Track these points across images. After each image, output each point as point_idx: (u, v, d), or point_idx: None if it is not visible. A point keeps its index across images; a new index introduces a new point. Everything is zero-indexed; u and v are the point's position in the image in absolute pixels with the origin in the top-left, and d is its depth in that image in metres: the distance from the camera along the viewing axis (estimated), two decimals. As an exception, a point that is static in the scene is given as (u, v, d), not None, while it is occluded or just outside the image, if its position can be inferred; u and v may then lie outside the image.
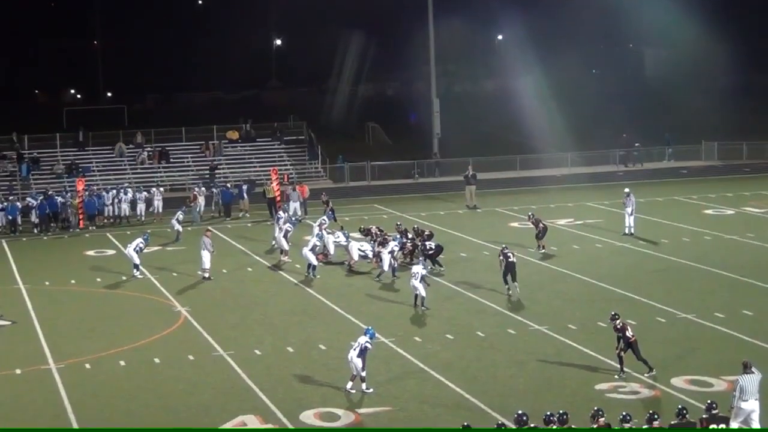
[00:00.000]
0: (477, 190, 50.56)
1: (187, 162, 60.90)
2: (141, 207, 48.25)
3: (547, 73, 76.89)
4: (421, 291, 31.05)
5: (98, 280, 36.33)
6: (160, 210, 48.52)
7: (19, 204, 47.31)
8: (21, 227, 46.24)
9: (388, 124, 73.23)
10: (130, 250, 36.41)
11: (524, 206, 48.84)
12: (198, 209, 48.11)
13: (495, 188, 55.62)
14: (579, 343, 26.99)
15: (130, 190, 48.95)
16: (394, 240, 35.80)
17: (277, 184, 49.14)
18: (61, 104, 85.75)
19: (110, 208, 47.83)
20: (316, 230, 38.03)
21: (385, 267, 34.86)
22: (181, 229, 42.96)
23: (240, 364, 26.14)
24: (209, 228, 38.39)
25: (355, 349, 23.67)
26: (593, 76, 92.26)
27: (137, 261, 36.30)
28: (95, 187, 51.15)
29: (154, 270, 37.39)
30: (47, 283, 36.21)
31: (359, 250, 36.61)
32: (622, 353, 24.33)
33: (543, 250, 38.15)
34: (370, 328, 24.55)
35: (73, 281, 36.35)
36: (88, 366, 26.46)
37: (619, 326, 24.41)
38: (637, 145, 64.50)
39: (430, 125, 62.78)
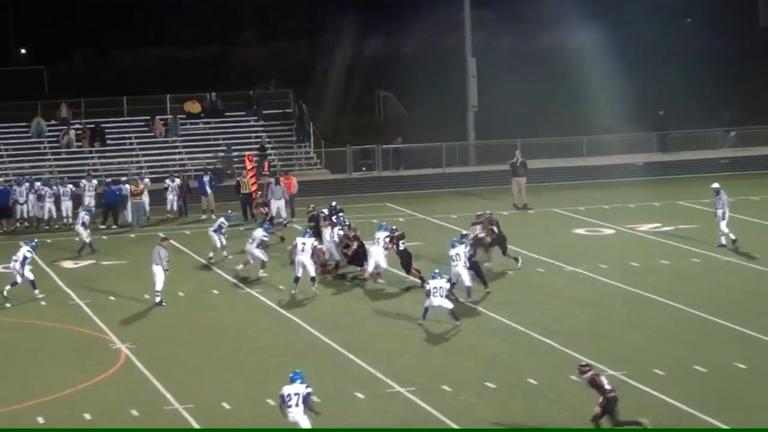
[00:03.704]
0: (528, 184, 50.64)
1: (131, 143, 60.90)
2: (67, 205, 48.34)
3: (623, 25, 76.69)
4: (446, 304, 32.10)
5: (8, 305, 36.33)
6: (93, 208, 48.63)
7: None
8: None
9: (406, 93, 73.10)
10: (15, 265, 36.54)
11: (593, 206, 48.74)
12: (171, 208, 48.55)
13: (553, 181, 55.65)
14: (668, 395, 26.87)
15: (39, 183, 49.04)
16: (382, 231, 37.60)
17: (252, 176, 49.10)
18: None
19: (24, 207, 47.94)
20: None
21: (370, 268, 36.68)
22: (87, 240, 43.15)
23: (202, 421, 26.06)
24: (165, 236, 38.08)
25: (297, 405, 23.14)
26: (686, 28, 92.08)
27: (31, 277, 36.59)
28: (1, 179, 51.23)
29: (84, 292, 37.39)
30: (-62, 309, 36.34)
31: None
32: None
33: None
34: (297, 371, 23.97)
35: (-27, 307, 36.44)
36: (-7, 423, 26.47)
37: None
38: None
39: (464, 95, 62.66)
